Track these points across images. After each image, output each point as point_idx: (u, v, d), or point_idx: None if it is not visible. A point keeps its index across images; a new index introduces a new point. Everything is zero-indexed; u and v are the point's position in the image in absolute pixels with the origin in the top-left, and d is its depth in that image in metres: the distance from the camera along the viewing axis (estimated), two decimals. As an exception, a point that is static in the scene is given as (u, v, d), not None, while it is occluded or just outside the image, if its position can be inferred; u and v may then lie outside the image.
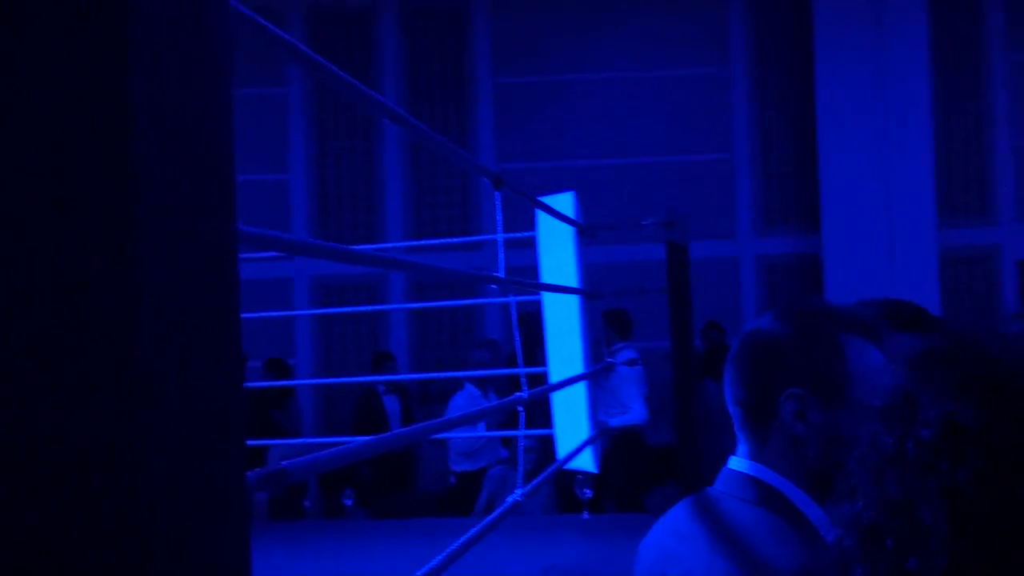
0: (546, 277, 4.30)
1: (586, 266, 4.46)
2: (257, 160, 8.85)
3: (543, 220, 4.22)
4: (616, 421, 6.11)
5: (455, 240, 6.31)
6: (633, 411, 6.28)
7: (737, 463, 1.30)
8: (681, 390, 4.37)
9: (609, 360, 4.67)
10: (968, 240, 8.55)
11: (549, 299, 4.22)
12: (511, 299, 2.69)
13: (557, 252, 4.20)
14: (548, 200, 4.17)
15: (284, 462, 1.16)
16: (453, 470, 6.62)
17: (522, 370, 2.71)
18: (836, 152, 8.22)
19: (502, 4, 8.77)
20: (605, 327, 6.45)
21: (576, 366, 4.25)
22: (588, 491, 4.68)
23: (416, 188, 8.85)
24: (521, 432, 2.71)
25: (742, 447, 1.31)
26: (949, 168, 8.53)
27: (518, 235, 3.39)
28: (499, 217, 2.76)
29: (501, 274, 2.67)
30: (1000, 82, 8.66)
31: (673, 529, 1.29)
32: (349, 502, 5.46)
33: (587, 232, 4.17)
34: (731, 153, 8.72)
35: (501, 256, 2.71)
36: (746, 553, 1.20)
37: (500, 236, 2.76)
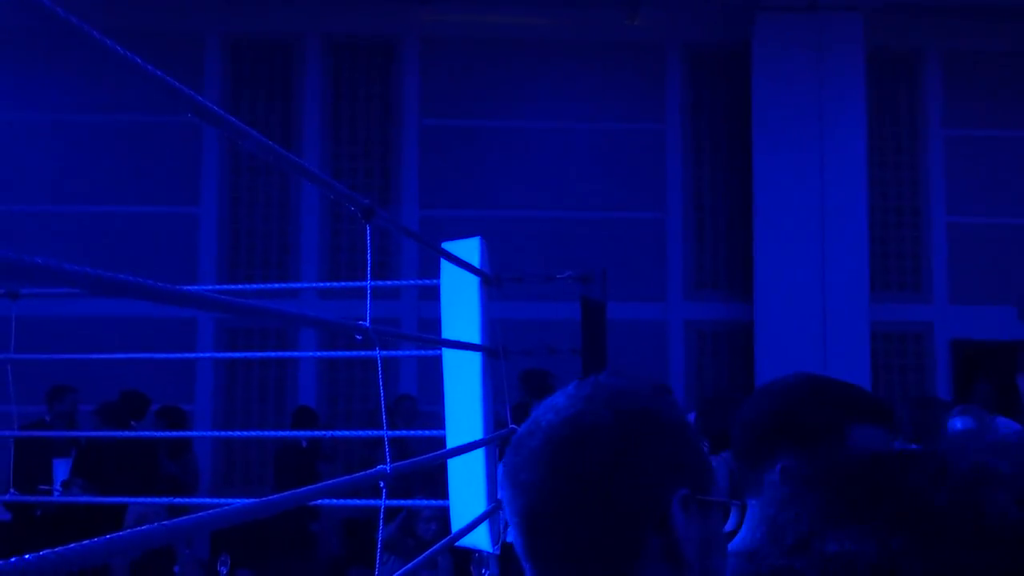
0: (447, 331, 3.89)
1: (499, 322, 4.07)
2: (167, 192, 8.38)
3: (446, 268, 3.83)
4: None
5: (344, 285, 5.79)
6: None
7: None
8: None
9: (513, 427, 4.24)
10: (901, 316, 8.35)
11: (448, 356, 3.81)
12: (377, 353, 2.28)
13: (460, 303, 3.80)
14: (452, 246, 3.78)
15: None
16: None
17: (386, 432, 2.30)
18: (771, 218, 7.99)
19: (433, 43, 8.43)
20: (521, 388, 6.06)
21: (475, 431, 3.83)
22: (486, 572, 4.22)
23: (334, 228, 8.40)
24: (383, 503, 2.30)
25: None
26: (884, 242, 8.36)
27: (391, 284, 2.98)
28: (369, 256, 2.35)
29: (367, 323, 2.26)
30: (936, 158, 8.54)
31: None
32: (224, 569, 4.91)
33: (493, 282, 3.78)
34: (664, 213, 8.42)
35: (369, 303, 2.30)
36: None
37: (369, 284, 2.35)
